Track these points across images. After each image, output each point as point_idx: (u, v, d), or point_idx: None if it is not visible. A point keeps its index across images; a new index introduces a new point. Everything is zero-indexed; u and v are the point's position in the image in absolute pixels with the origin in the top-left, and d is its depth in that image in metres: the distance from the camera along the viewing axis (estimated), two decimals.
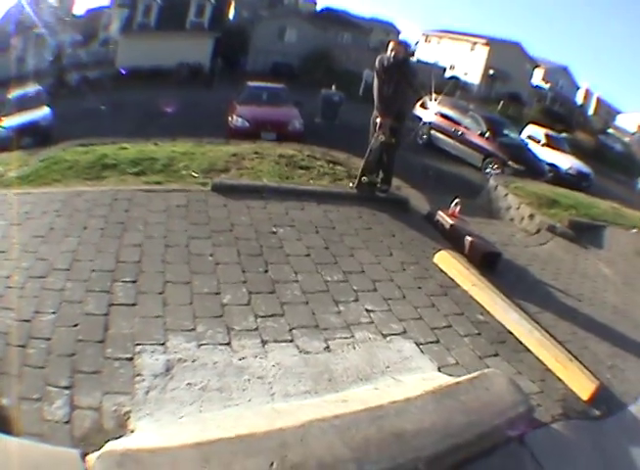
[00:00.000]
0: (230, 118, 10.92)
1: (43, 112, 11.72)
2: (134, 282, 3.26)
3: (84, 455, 1.99)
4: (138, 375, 2.50)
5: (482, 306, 3.43)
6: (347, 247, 4.00)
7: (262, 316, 2.97)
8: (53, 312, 2.93)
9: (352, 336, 2.88)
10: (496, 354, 2.96)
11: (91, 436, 2.17)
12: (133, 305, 3.04)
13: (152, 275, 3.37)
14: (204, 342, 2.77)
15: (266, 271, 3.47)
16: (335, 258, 3.76)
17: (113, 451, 2.01)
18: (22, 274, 3.37)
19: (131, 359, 2.60)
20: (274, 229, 4.09)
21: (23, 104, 11.77)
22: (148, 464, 1.93)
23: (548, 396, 2.66)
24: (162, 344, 2.72)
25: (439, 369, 2.72)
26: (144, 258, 3.56)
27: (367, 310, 3.16)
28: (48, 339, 2.71)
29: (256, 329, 2.85)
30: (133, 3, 25.09)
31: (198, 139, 7.45)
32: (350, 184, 5.28)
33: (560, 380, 2.79)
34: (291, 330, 2.87)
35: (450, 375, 2.62)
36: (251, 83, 12.91)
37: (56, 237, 3.88)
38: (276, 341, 2.77)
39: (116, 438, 2.12)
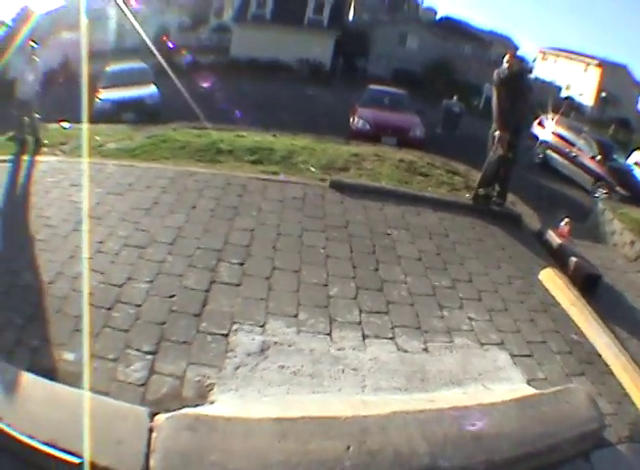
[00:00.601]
0: (352, 120, 16.62)
1: (149, 89, 17.01)
2: (241, 264, 5.18)
3: (153, 415, 3.36)
4: (230, 351, 4.03)
5: (578, 326, 5.16)
6: (458, 255, 6.19)
7: (367, 312, 4.73)
8: (148, 281, 4.84)
9: (451, 341, 4.53)
10: (582, 374, 4.45)
11: (166, 401, 3.61)
12: (237, 285, 4.86)
13: (260, 260, 5.34)
14: (304, 329, 4.41)
15: (376, 270, 5.51)
16: (445, 265, 5.87)
17: (185, 414, 3.40)
18: (118, 242, 5.53)
19: (226, 336, 4.19)
20: (389, 231, 6.46)
21: (125, 79, 17.13)
22: (221, 431, 3.25)
23: (620, 418, 3.98)
24: (262, 325, 4.35)
25: (528, 382, 4.17)
26: (254, 243, 5.64)
27: (469, 318, 4.92)
28: (138, 305, 4.51)
29: (359, 323, 4.56)
30: None
31: (317, 136, 11.38)
32: (467, 195, 8.25)
33: (634, 405, 4.17)
34: (392, 328, 4.57)
35: (536, 389, 4.00)
36: (372, 86, 19.64)
37: (160, 211, 6.22)
38: (377, 337, 4.41)
39: (193, 406, 3.55)
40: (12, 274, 5.33)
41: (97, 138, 10.13)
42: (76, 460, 3.01)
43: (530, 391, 4.01)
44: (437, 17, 45.93)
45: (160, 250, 5.44)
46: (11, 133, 11.06)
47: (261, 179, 7.58)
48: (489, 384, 4.07)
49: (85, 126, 11.35)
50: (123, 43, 31.16)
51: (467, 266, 5.94)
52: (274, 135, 10.90)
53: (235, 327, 4.33)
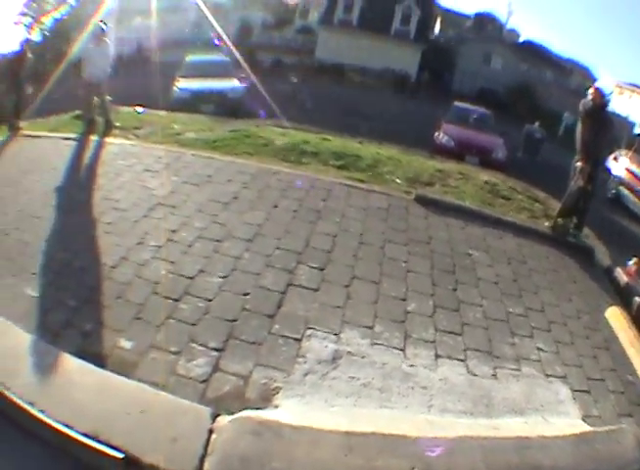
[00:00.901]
0: (436, 135, 17.44)
1: (232, 83, 17.63)
2: (321, 269, 5.42)
3: (215, 416, 3.47)
4: (301, 357, 4.20)
5: (634, 367, 5.40)
6: (533, 283, 6.57)
7: (442, 331, 5.02)
8: (222, 276, 5.08)
9: (519, 369, 4.80)
10: (630, 415, 4.69)
11: (227, 400, 3.76)
12: (315, 290, 5.07)
13: (340, 267, 5.56)
14: (378, 342, 4.59)
15: (455, 290, 5.85)
16: (520, 292, 6.23)
17: (249, 418, 3.51)
18: (192, 232, 5.84)
19: (298, 340, 4.37)
20: (470, 251, 6.89)
21: (206, 70, 17.72)
22: (286, 438, 3.35)
23: None
24: (336, 334, 4.52)
25: (584, 418, 4.42)
26: (335, 249, 5.88)
27: (538, 348, 5.22)
28: (208, 300, 4.73)
29: (433, 342, 4.82)
30: None
31: (402, 147, 11.99)
32: (546, 223, 8.81)
33: None
34: (465, 350, 4.83)
35: (591, 426, 4.26)
36: (458, 103, 20.88)
37: (240, 207, 6.55)
38: (449, 357, 4.67)
39: (256, 409, 3.69)
40: (68, 253, 5.65)
41: (174, 126, 10.65)
42: (119, 455, 3.08)
43: (586, 427, 4.25)
44: (520, 39, 47.14)
45: (237, 245, 5.72)
46: (78, 112, 11.63)
47: (346, 185, 7.91)
48: (549, 416, 4.30)
49: (162, 113, 11.93)
50: (203, 35, 32.30)
51: (540, 296, 6.28)
52: (360, 142, 11.38)
53: (309, 332, 4.52)
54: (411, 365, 4.42)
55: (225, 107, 15.67)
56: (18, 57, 12.22)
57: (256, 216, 6.37)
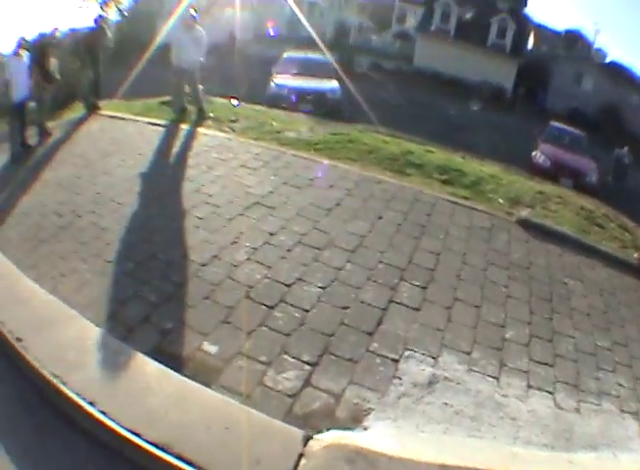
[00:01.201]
0: (534, 154, 18.98)
1: (331, 84, 17.70)
2: (423, 288, 5.38)
3: (307, 439, 3.43)
4: (397, 378, 4.17)
5: None
6: (620, 317, 6.55)
7: (535, 361, 5.06)
8: (321, 286, 5.08)
9: (599, 404, 4.83)
10: None
11: (315, 417, 3.73)
12: (416, 309, 5.04)
13: (443, 287, 5.57)
14: (475, 368, 4.59)
15: (550, 319, 5.89)
16: (608, 325, 6.25)
17: (345, 445, 3.46)
18: (292, 237, 5.87)
19: (396, 361, 4.32)
20: (565, 280, 6.93)
21: (304, 69, 18.11)
22: (382, 469, 3.32)
23: None
24: (434, 357, 4.50)
25: None
26: (438, 268, 5.89)
27: (618, 384, 5.23)
28: (305, 310, 4.72)
29: (526, 372, 4.86)
30: (429, 4, 42.05)
31: (502, 164, 12.14)
32: (635, 255, 8.67)
33: None
34: (555, 382, 4.87)
35: None
36: (554, 123, 22.54)
37: (342, 215, 6.59)
38: (539, 389, 4.71)
39: (344, 429, 3.67)
40: (152, 244, 5.76)
41: (273, 123, 10.70)
42: (189, 469, 3.08)
43: None
44: (607, 60, 47.85)
45: (338, 255, 5.72)
46: (166, 98, 11.81)
47: (450, 201, 7.96)
48: (618, 452, 4.32)
49: (258, 108, 12.03)
50: (298, 33, 33.03)
51: (626, 330, 6.30)
52: (463, 157, 11.49)
53: (407, 354, 4.50)
54: (504, 395, 4.44)
55: (323, 108, 15.72)
56: (93, 33, 12.58)
57: (360, 227, 6.38)
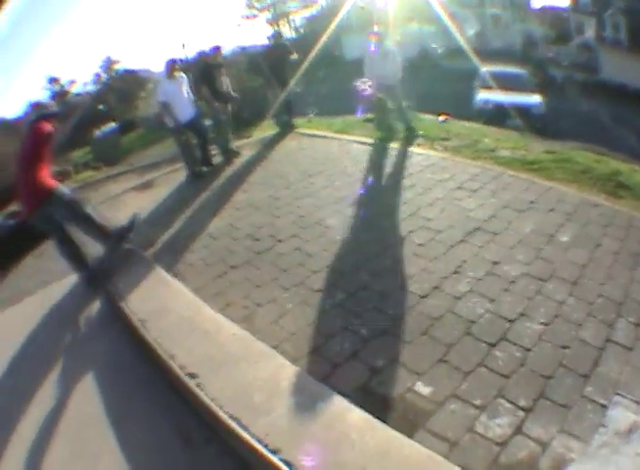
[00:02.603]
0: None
1: (534, 98, 17.78)
2: (637, 325, 4.90)
3: None
4: (603, 426, 3.82)
5: None
6: None
7: None
8: (543, 323, 4.82)
9: None
10: None
11: (517, 467, 3.52)
12: (629, 349, 4.60)
13: None
14: None
15: None
16: None
17: None
18: (515, 267, 5.66)
19: (604, 407, 3.98)
20: None
21: (504, 83, 17.94)
22: None
23: None
24: (638, 403, 4.04)
25: None
26: None
27: None
28: (527, 349, 4.49)
29: None
30: (599, 14, 39.14)
31: None
32: None
33: None
34: None
35: None
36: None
37: (560, 241, 6.22)
38: None
39: None
40: (366, 273, 5.72)
41: (485, 140, 10.50)
42: None
43: None
44: None
45: (561, 288, 5.39)
46: (370, 115, 11.92)
47: None
48: None
49: (466, 124, 11.90)
50: (487, 45, 33.16)
51: None
52: None
53: (616, 399, 4.12)
54: None
55: (530, 123, 15.54)
56: (273, 51, 12.69)
57: (580, 255, 5.99)
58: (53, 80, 32.99)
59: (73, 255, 6.54)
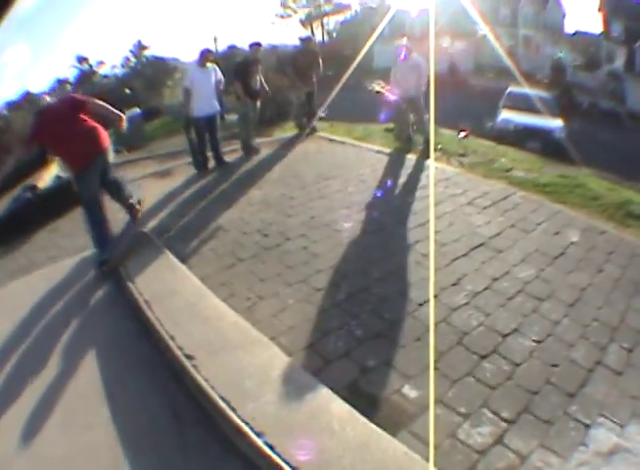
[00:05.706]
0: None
1: (556, 122, 17.94)
2: (629, 351, 5.01)
3: None
4: (583, 445, 3.92)
5: None
6: None
7: None
8: (535, 340, 4.94)
9: None
10: None
11: None
12: (618, 373, 4.71)
13: None
14: None
15: None
16: None
17: None
18: (514, 284, 5.80)
19: (587, 427, 4.09)
20: None
21: (527, 104, 18.42)
22: None
23: None
24: (622, 426, 4.16)
25: None
26: None
27: None
28: (516, 364, 4.59)
29: None
30: (629, 44, 39.09)
31: None
32: None
33: None
34: None
35: None
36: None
37: (566, 264, 6.40)
38: None
39: None
40: (367, 277, 5.90)
41: (502, 160, 10.73)
42: None
43: None
44: None
45: (557, 308, 5.54)
46: (391, 125, 12.01)
47: None
48: None
49: (485, 142, 12.04)
50: (516, 65, 33.47)
51: None
52: None
53: (600, 420, 4.22)
54: None
55: (550, 146, 15.81)
56: (302, 54, 12.78)
57: (580, 279, 6.13)
58: (82, 59, 33.33)
59: (101, 228, 6.62)
